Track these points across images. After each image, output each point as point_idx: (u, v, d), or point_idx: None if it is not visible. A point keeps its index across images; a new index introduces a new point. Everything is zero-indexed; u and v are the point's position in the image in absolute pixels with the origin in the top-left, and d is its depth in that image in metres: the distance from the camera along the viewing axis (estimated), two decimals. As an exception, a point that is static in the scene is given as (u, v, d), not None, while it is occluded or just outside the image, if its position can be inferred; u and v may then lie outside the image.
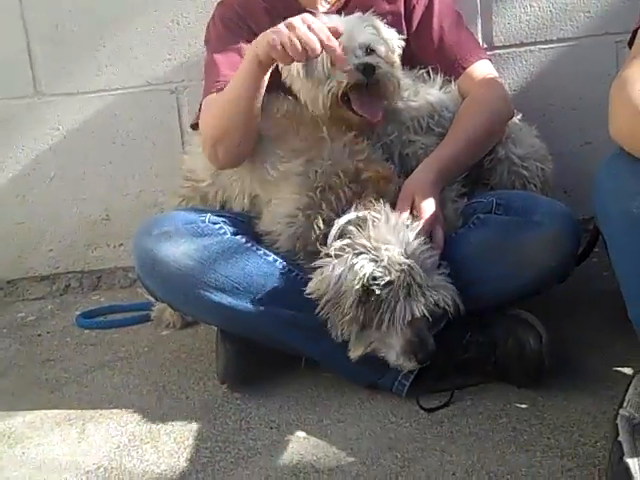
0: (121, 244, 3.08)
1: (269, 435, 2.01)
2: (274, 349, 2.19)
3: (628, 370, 2.05)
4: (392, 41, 2.26)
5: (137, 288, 2.99)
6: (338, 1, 2.39)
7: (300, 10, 2.35)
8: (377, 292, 1.90)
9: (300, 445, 1.95)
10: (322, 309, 1.97)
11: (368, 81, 2.13)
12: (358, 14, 2.25)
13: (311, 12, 2.33)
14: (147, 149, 2.99)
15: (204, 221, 2.17)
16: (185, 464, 1.93)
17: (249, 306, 2.09)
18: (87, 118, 2.98)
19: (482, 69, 2.38)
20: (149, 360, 2.48)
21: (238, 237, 2.16)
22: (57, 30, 2.91)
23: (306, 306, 2.04)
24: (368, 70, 2.12)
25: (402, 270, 1.91)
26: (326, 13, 2.35)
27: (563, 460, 1.76)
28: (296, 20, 1.99)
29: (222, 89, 2.27)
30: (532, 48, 2.85)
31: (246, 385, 2.22)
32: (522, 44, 2.85)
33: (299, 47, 1.96)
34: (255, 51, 2.07)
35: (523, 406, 1.98)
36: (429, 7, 2.38)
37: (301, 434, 1.99)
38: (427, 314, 1.94)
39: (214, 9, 2.51)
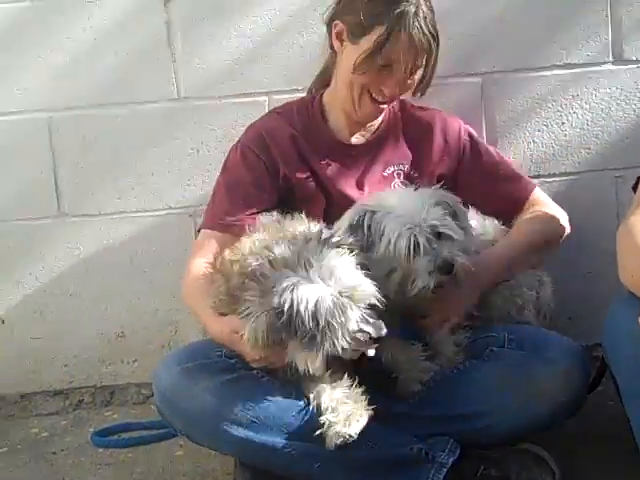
0: (135, 360, 3.15)
1: None
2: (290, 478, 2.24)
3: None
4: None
5: (150, 405, 3.06)
6: (372, 135, 2.58)
7: (332, 140, 2.54)
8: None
9: None
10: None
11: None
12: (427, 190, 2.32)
13: (343, 143, 2.54)
14: (164, 269, 3.08)
15: (220, 356, 2.22)
16: None
17: (267, 439, 2.14)
18: (107, 238, 3.09)
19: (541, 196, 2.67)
20: (164, 482, 2.52)
21: (254, 372, 2.20)
22: (82, 154, 3.05)
23: (322, 438, 2.12)
24: (447, 267, 2.17)
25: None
26: (359, 145, 2.53)
27: None
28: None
29: (221, 231, 2.45)
30: (536, 181, 2.97)
31: (262, 511, 2.26)
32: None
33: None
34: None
35: (537, 541, 2.03)
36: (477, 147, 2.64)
37: None
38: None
39: (243, 133, 2.64)
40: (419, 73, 2.44)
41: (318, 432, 2.07)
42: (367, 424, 2.07)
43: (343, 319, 1.96)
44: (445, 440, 2.18)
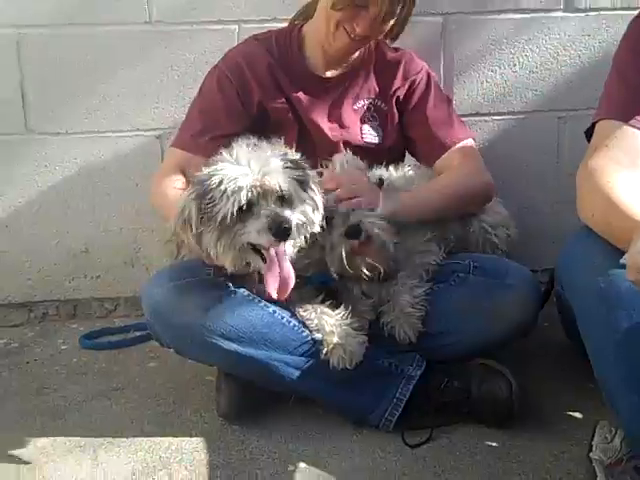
0: (98, 276, 3.26)
1: (272, 466, 2.25)
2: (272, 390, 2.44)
3: (578, 415, 2.41)
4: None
5: (113, 319, 3.22)
6: (346, 69, 2.71)
7: (306, 71, 2.67)
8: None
9: (303, 475, 2.21)
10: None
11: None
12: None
13: (316, 75, 2.67)
14: (129, 189, 3.18)
15: (210, 274, 2.35)
16: (201, 491, 2.17)
17: (252, 352, 2.31)
18: (73, 157, 3.16)
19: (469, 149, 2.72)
20: (143, 391, 2.67)
21: (241, 290, 2.36)
22: (51, 72, 3.08)
23: (303, 350, 2.34)
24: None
25: None
26: (331, 77, 2.68)
27: (534, 494, 2.09)
28: None
29: (191, 152, 2.57)
30: (486, 118, 3.22)
31: (243, 417, 2.45)
32: (478, 114, 3.22)
33: None
34: None
35: (494, 444, 2.30)
36: (427, 89, 2.73)
37: (302, 465, 2.25)
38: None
39: (222, 57, 2.71)
40: (393, 19, 2.55)
41: (324, 351, 2.29)
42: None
43: (235, 187, 2.11)
44: (412, 355, 2.41)
